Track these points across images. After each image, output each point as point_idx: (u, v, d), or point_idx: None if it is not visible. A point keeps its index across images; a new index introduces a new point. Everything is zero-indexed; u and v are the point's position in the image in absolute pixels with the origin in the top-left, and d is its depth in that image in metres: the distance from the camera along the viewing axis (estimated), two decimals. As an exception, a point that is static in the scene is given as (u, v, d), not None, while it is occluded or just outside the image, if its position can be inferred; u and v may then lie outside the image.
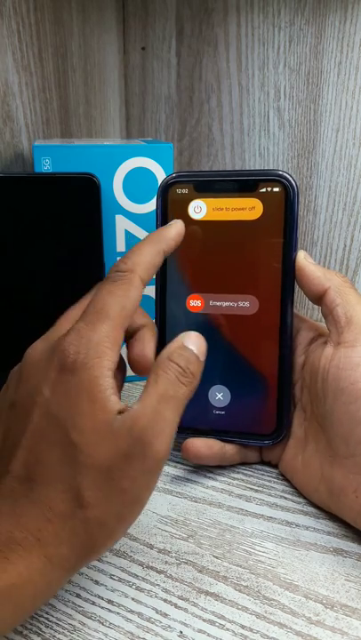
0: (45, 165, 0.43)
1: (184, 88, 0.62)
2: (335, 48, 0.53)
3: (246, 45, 0.57)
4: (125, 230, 0.46)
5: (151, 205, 0.46)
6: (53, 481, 0.23)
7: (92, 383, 0.24)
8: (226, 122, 0.61)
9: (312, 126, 0.56)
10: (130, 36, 0.65)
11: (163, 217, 0.35)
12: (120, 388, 0.28)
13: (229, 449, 0.36)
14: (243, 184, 0.34)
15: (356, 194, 0.56)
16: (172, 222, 0.31)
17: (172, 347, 0.26)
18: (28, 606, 0.23)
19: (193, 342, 0.27)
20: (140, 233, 0.46)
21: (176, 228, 0.31)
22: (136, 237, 0.46)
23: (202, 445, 0.35)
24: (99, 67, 0.63)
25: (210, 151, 0.63)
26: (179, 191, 0.35)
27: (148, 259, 0.28)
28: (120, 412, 0.24)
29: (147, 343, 0.29)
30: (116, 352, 0.25)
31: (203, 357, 0.27)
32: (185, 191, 0.35)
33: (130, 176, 0.45)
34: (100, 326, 0.25)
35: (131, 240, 0.46)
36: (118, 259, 0.28)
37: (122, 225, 0.46)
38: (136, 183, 0.45)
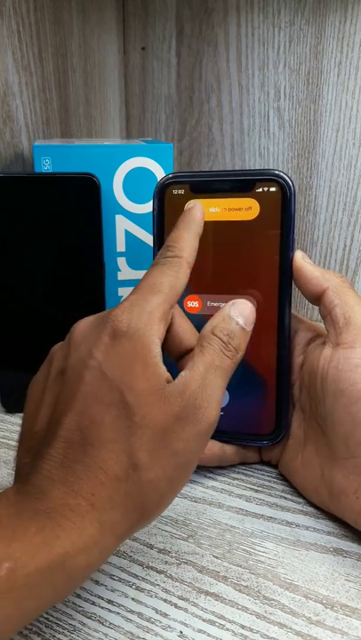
0: (45, 165, 0.43)
1: (184, 88, 0.62)
2: (335, 48, 0.53)
3: (246, 45, 0.57)
4: (125, 230, 0.46)
5: (151, 205, 0.46)
6: (108, 442, 0.23)
7: (145, 349, 0.25)
8: (226, 122, 0.61)
9: (312, 126, 0.56)
10: (130, 36, 0.65)
11: (159, 218, 0.35)
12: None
13: (229, 449, 0.36)
14: (239, 184, 0.34)
15: (357, 194, 0.56)
16: (193, 204, 0.31)
17: (216, 318, 0.27)
18: (79, 577, 0.23)
19: (239, 311, 0.28)
20: (140, 233, 0.46)
21: (200, 209, 0.31)
22: (136, 237, 0.46)
23: None
24: (99, 67, 0.63)
25: (210, 151, 0.63)
26: (175, 192, 0.35)
27: (190, 243, 0.29)
28: (168, 381, 0.25)
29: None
30: (164, 325, 0.26)
31: (249, 327, 0.28)
32: (181, 192, 0.35)
33: (130, 176, 0.45)
34: (152, 298, 0.26)
35: (131, 240, 0.46)
36: (162, 248, 0.29)
37: (122, 225, 0.46)
38: (136, 183, 0.45)
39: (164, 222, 0.35)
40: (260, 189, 0.33)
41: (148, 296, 0.26)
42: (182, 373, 0.25)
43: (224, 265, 0.35)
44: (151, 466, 0.24)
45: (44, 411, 0.26)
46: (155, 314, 0.26)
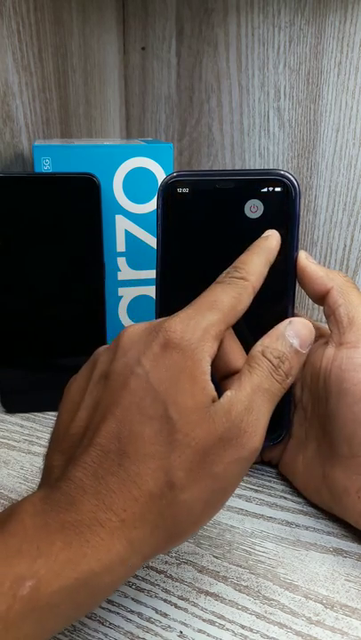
0: (45, 165, 0.43)
1: (184, 88, 0.62)
2: (335, 48, 0.53)
3: (246, 45, 0.57)
4: (125, 230, 0.46)
5: (151, 205, 0.46)
6: (146, 457, 0.23)
7: (195, 364, 0.24)
8: (226, 122, 0.61)
9: (312, 126, 0.56)
10: (130, 36, 0.65)
11: (163, 217, 0.35)
12: None
13: None
14: (244, 183, 0.34)
15: (357, 194, 0.56)
16: (270, 232, 0.32)
17: (270, 337, 0.27)
18: (102, 595, 0.22)
19: (295, 331, 0.27)
20: (141, 233, 0.46)
21: (275, 237, 0.32)
22: (136, 237, 0.46)
23: None
24: (99, 67, 0.63)
25: (210, 151, 0.63)
26: (179, 190, 0.35)
27: (259, 269, 0.29)
28: (214, 400, 0.24)
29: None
30: (217, 344, 0.25)
31: (305, 349, 0.27)
32: (185, 190, 0.35)
33: (130, 176, 0.45)
34: (209, 314, 0.25)
35: (131, 240, 0.46)
36: (229, 268, 0.29)
37: (122, 225, 0.46)
38: (136, 183, 0.45)
39: (167, 221, 0.35)
40: (265, 189, 0.33)
41: (206, 312, 0.26)
42: (228, 393, 0.24)
43: (228, 264, 0.35)
44: (188, 486, 0.23)
45: (83, 413, 0.25)
46: (210, 331, 0.25)
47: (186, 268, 0.35)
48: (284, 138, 0.58)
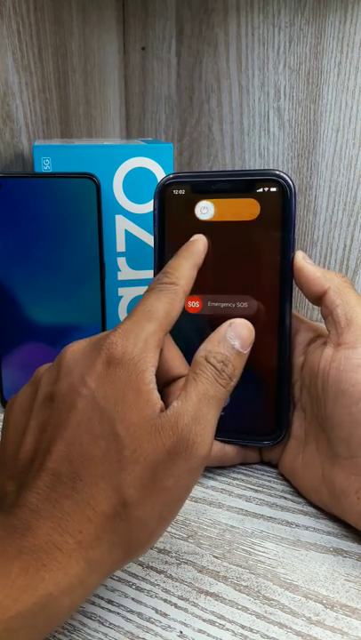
0: (45, 165, 0.43)
1: (184, 88, 0.62)
2: (335, 48, 0.53)
3: (246, 45, 0.57)
4: (125, 230, 0.46)
5: (151, 205, 0.46)
6: (97, 477, 0.23)
7: (138, 377, 0.24)
8: (226, 122, 0.61)
9: (312, 126, 0.56)
10: (130, 36, 0.65)
11: (160, 218, 0.35)
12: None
13: (229, 450, 0.36)
14: (240, 184, 0.34)
15: (357, 194, 0.56)
16: (196, 237, 0.33)
17: (211, 341, 0.27)
18: (62, 617, 0.22)
19: (236, 333, 0.27)
20: (141, 233, 0.46)
21: (203, 242, 0.33)
22: (136, 237, 0.46)
23: None
24: (99, 67, 0.63)
25: (210, 151, 0.63)
26: (176, 192, 0.35)
27: (188, 273, 0.30)
28: (161, 410, 0.24)
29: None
30: (158, 353, 0.26)
31: (246, 349, 0.27)
32: (182, 192, 0.35)
33: (130, 176, 0.45)
34: (148, 325, 0.26)
35: (131, 240, 0.46)
36: (159, 274, 0.29)
37: (122, 225, 0.46)
38: (136, 183, 0.45)
39: (164, 223, 0.35)
40: (261, 190, 0.33)
41: (143, 323, 0.26)
42: (174, 404, 0.24)
43: (225, 265, 0.35)
44: (140, 502, 0.23)
45: (30, 437, 0.25)
46: (150, 341, 0.25)
47: None
48: (284, 138, 0.58)
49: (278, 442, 0.35)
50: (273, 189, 0.33)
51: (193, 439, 0.24)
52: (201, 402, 0.24)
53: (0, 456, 0.27)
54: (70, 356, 0.26)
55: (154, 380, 0.25)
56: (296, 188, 0.34)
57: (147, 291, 0.29)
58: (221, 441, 0.35)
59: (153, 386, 0.24)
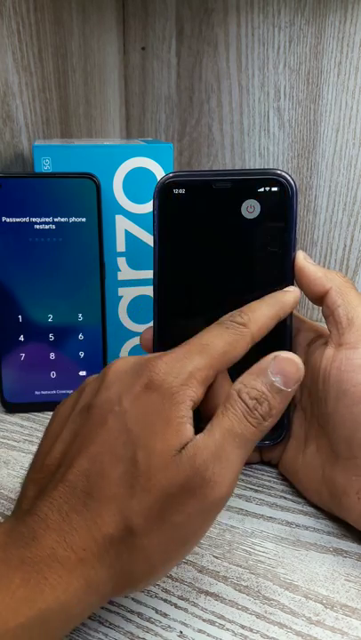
0: (45, 165, 0.43)
1: (184, 88, 0.62)
2: (335, 48, 0.53)
3: (246, 45, 0.57)
4: (125, 230, 0.46)
5: (151, 205, 0.46)
6: (108, 499, 0.22)
7: (172, 407, 0.23)
8: (226, 122, 0.61)
9: (312, 126, 0.56)
10: (130, 36, 0.65)
11: (160, 218, 0.35)
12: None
13: None
14: (240, 184, 0.34)
15: (357, 194, 0.56)
16: (290, 289, 0.32)
17: (249, 374, 0.25)
18: (57, 634, 0.22)
19: (279, 368, 0.25)
20: (140, 233, 0.46)
21: (295, 295, 0.31)
22: (136, 237, 0.46)
23: None
24: (99, 67, 0.63)
25: (210, 151, 0.63)
26: (175, 191, 0.35)
27: (264, 320, 0.28)
28: None
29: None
30: (203, 389, 0.25)
31: (290, 387, 0.25)
32: (182, 191, 0.35)
33: (130, 176, 0.45)
34: (198, 359, 0.25)
35: (131, 240, 0.46)
36: (235, 311, 0.28)
37: (122, 225, 0.46)
38: (136, 183, 0.45)
39: (164, 222, 0.35)
40: (262, 189, 0.33)
41: (194, 355, 0.25)
42: (197, 437, 0.23)
43: (225, 265, 0.35)
44: (146, 532, 0.22)
45: (60, 446, 0.25)
46: (195, 375, 0.24)
47: (183, 268, 0.35)
48: (284, 138, 0.58)
49: (279, 442, 0.35)
50: (274, 189, 0.33)
51: (210, 477, 0.22)
52: (225, 439, 0.23)
53: (34, 457, 0.27)
54: (114, 371, 0.26)
55: (189, 414, 0.24)
56: (297, 187, 0.34)
57: (215, 323, 0.27)
58: None
59: (186, 419, 0.23)
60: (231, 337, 0.26)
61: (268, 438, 0.35)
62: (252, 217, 0.34)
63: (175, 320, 0.35)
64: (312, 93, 0.55)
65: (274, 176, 0.33)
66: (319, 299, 0.33)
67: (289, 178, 0.33)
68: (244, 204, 0.34)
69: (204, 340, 0.26)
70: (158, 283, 0.35)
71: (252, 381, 0.25)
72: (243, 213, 0.34)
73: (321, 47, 0.54)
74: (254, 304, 0.29)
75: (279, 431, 0.35)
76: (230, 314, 0.28)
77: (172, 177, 0.34)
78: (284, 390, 0.25)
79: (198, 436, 0.23)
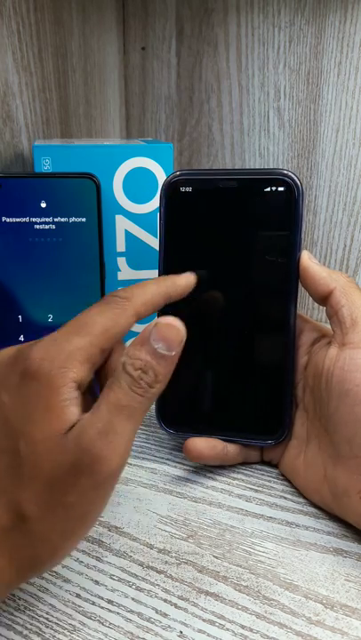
0: (45, 165, 0.43)
1: (184, 88, 0.62)
2: (335, 48, 0.53)
3: (246, 45, 0.57)
4: (125, 230, 0.46)
5: (151, 205, 0.46)
6: None
7: (52, 392, 0.23)
8: (226, 122, 0.61)
9: (312, 126, 0.56)
10: (130, 36, 0.65)
11: (165, 216, 0.35)
12: (88, 408, 0.24)
13: (231, 449, 0.36)
14: (247, 183, 0.34)
15: (357, 194, 0.56)
16: (185, 274, 0.32)
17: (133, 345, 0.24)
18: None
19: (160, 335, 0.24)
20: (141, 233, 0.46)
21: (187, 278, 0.31)
22: (136, 237, 0.46)
23: (204, 446, 0.35)
24: (99, 67, 0.63)
25: (210, 151, 0.63)
26: (182, 189, 0.35)
27: (148, 295, 0.28)
28: None
29: None
30: (87, 368, 0.24)
31: (173, 351, 0.24)
32: (188, 189, 0.34)
33: (130, 176, 0.45)
34: (77, 339, 0.24)
35: (131, 240, 0.46)
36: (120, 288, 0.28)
37: (122, 225, 0.46)
38: (136, 183, 0.45)
39: (169, 221, 0.35)
40: (268, 189, 0.33)
41: (72, 336, 0.24)
42: (83, 417, 0.23)
43: (230, 263, 0.35)
44: (40, 518, 0.22)
45: None
46: (75, 356, 0.24)
47: (188, 267, 0.35)
48: (284, 138, 0.58)
49: (280, 441, 0.35)
50: (280, 189, 0.33)
51: (98, 453, 0.22)
52: (111, 413, 0.23)
53: None
54: None
55: (73, 395, 0.23)
56: (303, 187, 0.34)
57: (98, 301, 0.27)
58: (224, 440, 0.35)
59: (69, 402, 0.23)
60: (112, 312, 0.26)
61: (271, 438, 0.35)
62: (257, 216, 0.34)
63: (180, 316, 0.36)
64: (312, 93, 0.55)
65: (280, 176, 0.33)
66: (323, 299, 0.33)
67: (295, 178, 0.33)
68: (249, 204, 0.34)
69: (83, 319, 0.25)
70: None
71: (136, 352, 0.24)
72: (248, 212, 0.34)
73: (321, 47, 0.54)
74: (143, 282, 0.28)
75: (281, 431, 0.35)
76: (113, 292, 0.27)
77: (178, 175, 0.34)
78: (167, 355, 0.24)
79: (85, 416, 0.23)
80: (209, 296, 0.35)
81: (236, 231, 0.34)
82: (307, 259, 0.33)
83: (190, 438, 0.35)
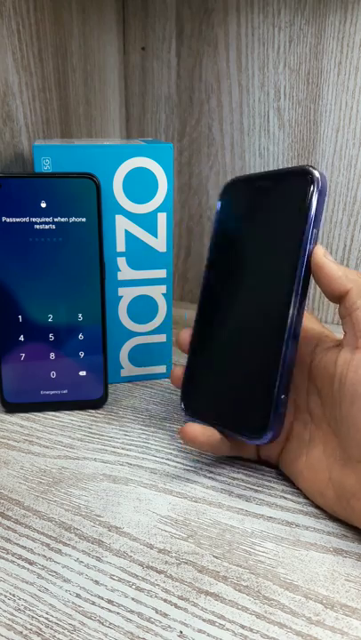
0: (45, 165, 0.43)
1: (184, 88, 0.62)
2: (335, 48, 0.53)
3: (246, 45, 0.57)
4: (125, 230, 0.46)
5: (151, 205, 0.46)
6: None
7: None
8: (226, 122, 0.61)
9: (312, 126, 0.56)
10: (130, 36, 0.65)
11: (221, 217, 0.39)
12: None
13: (226, 440, 0.35)
14: (274, 179, 0.36)
15: (357, 194, 0.56)
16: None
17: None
18: None
19: None
20: (141, 233, 0.46)
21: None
22: (136, 237, 0.46)
23: (199, 432, 0.34)
24: (99, 67, 0.63)
25: (210, 151, 0.63)
26: (230, 194, 0.38)
27: None
28: None
29: None
30: None
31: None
32: (236, 193, 0.38)
33: (130, 176, 0.45)
34: None
35: (131, 240, 0.46)
36: None
37: (122, 225, 0.46)
38: (136, 183, 0.45)
39: (226, 223, 0.38)
40: (290, 184, 0.34)
41: None
42: None
43: (263, 264, 0.35)
44: None
45: None
46: None
47: (229, 262, 0.38)
48: (284, 138, 0.58)
49: (265, 443, 0.34)
50: (302, 183, 0.33)
51: None
52: None
53: None
54: None
55: None
56: (326, 182, 0.33)
57: None
58: (212, 424, 0.35)
59: None
60: None
61: (255, 437, 0.33)
62: (279, 211, 0.34)
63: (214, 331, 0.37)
64: (312, 93, 0.55)
65: (303, 172, 0.34)
66: (338, 298, 0.32)
67: (317, 172, 0.33)
68: (274, 200, 0.35)
69: None
70: (206, 279, 0.39)
71: None
72: (274, 208, 0.35)
73: (321, 47, 0.54)
74: None
75: (265, 432, 0.33)
76: None
77: (235, 180, 0.38)
78: None
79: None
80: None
81: (270, 228, 0.35)
82: (322, 255, 0.32)
83: (189, 423, 0.35)
